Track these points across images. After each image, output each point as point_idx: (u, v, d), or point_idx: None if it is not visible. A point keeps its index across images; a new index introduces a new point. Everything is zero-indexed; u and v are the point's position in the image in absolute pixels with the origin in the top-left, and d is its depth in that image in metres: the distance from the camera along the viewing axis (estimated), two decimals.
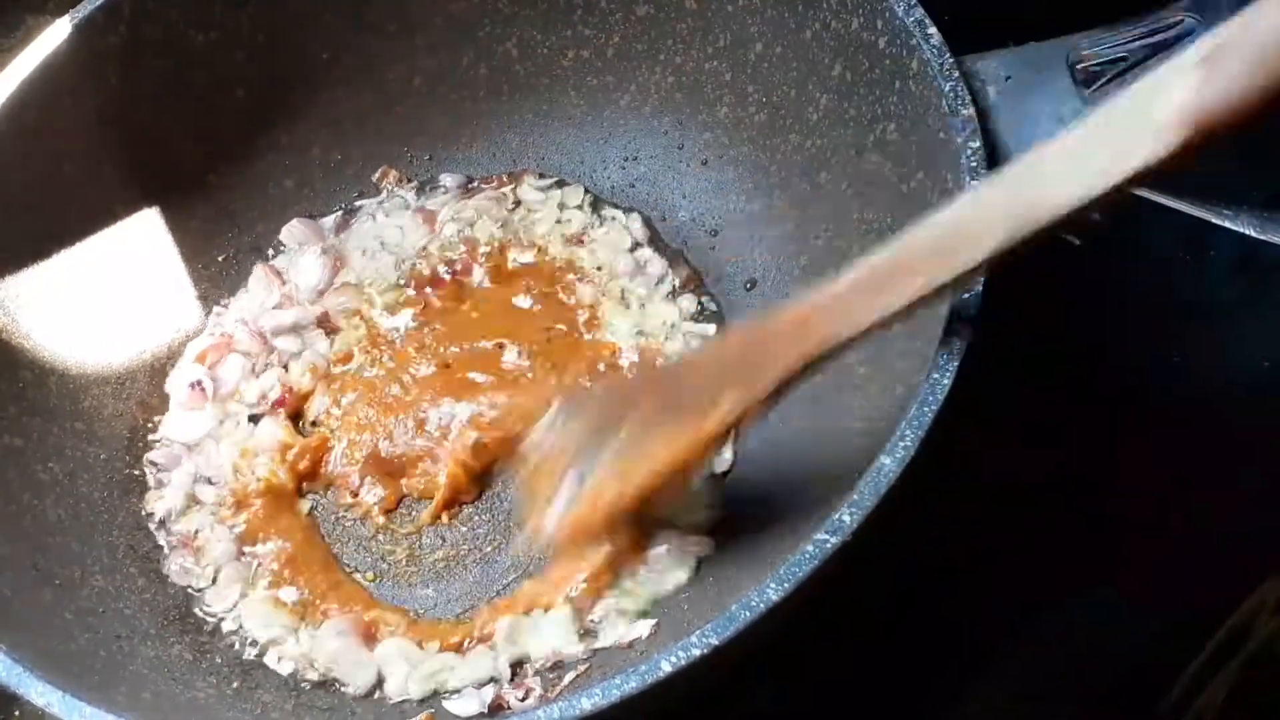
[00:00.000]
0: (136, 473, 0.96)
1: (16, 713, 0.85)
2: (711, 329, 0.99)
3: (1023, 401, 0.91)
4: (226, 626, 0.89)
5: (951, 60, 0.79)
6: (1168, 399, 0.92)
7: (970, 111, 0.77)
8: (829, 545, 0.64)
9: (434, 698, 0.84)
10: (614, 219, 1.05)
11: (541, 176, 1.09)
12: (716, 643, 0.63)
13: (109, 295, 0.98)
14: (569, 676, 0.83)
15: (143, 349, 1.00)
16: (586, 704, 0.63)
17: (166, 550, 0.92)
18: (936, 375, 0.68)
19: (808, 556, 0.64)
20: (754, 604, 0.64)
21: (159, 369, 1.01)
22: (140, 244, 1.01)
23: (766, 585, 0.64)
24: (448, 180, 1.09)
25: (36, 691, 0.69)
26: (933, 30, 0.80)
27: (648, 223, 1.05)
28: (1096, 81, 0.78)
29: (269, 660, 0.87)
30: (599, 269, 1.03)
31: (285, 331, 1.01)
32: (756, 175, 0.99)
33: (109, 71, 0.96)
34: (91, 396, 0.96)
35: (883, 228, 0.87)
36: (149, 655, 0.84)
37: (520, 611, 0.86)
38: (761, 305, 0.99)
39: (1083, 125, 0.62)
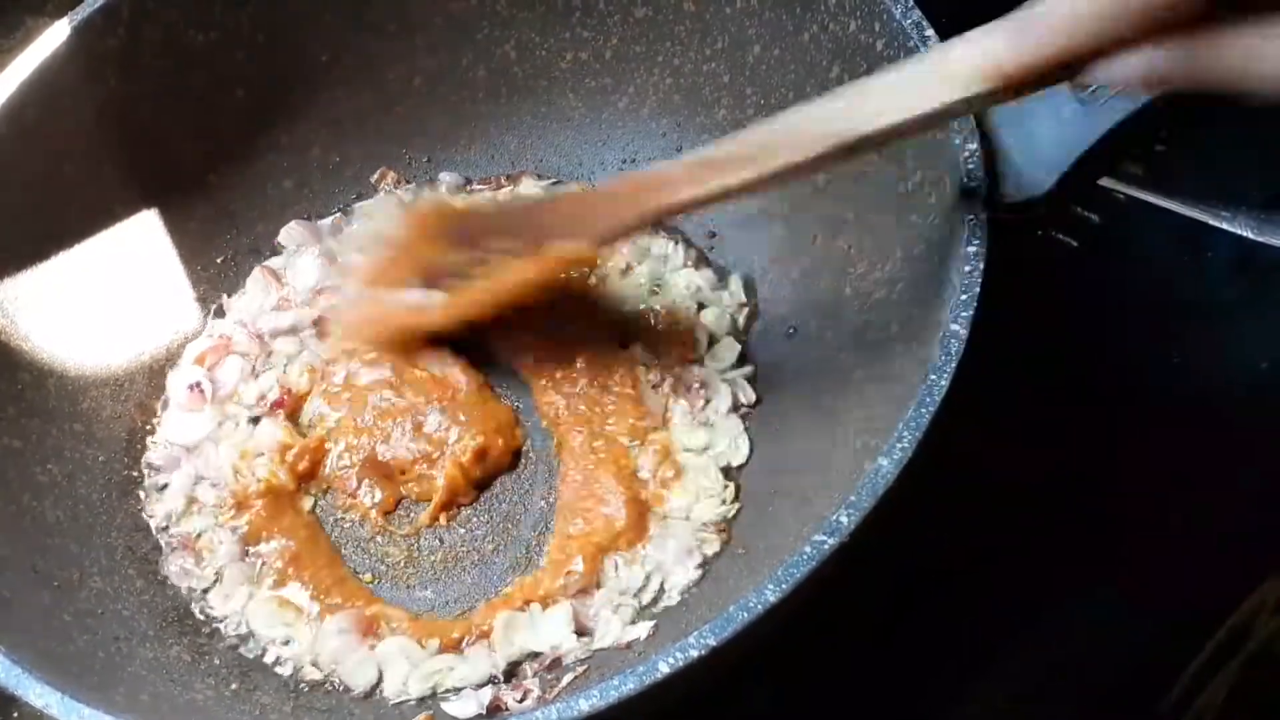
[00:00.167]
0: (135, 474, 0.96)
1: (15, 714, 0.85)
2: (739, 294, 1.00)
3: (1023, 401, 0.91)
4: (228, 627, 0.89)
5: None
6: (1168, 399, 0.92)
7: None
8: (827, 546, 0.64)
9: (432, 698, 0.84)
10: None
11: (540, 178, 1.09)
12: (714, 644, 0.63)
13: (108, 296, 0.98)
14: (567, 678, 0.83)
15: (141, 350, 1.00)
16: (584, 705, 0.63)
17: (166, 552, 0.92)
18: (934, 377, 0.68)
19: (805, 558, 0.64)
20: (752, 605, 0.64)
21: (158, 370, 1.01)
22: (140, 245, 1.01)
23: (764, 586, 0.64)
24: (446, 179, 1.09)
25: (35, 693, 0.69)
26: (930, 32, 0.80)
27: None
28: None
29: (270, 659, 0.87)
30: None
31: (283, 333, 1.01)
32: None
33: (108, 72, 0.96)
34: (90, 398, 0.96)
35: (880, 229, 0.87)
36: (147, 657, 0.84)
37: (517, 606, 0.86)
38: (760, 306, 0.99)
39: (905, 66, 0.72)
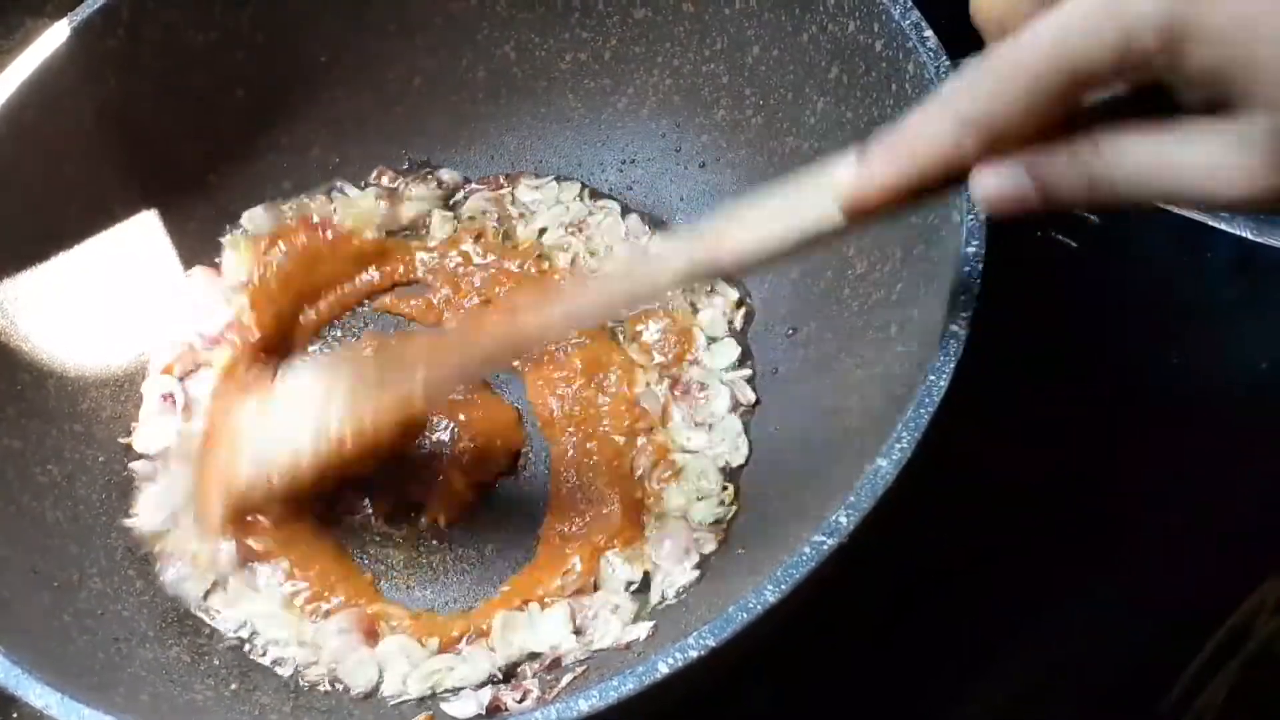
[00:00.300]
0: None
1: (15, 715, 0.85)
2: (734, 294, 1.00)
3: (1023, 401, 0.91)
4: (228, 628, 0.89)
5: (948, 64, 0.79)
6: (1168, 399, 0.92)
7: None
8: (826, 547, 0.64)
9: (432, 699, 0.84)
10: (612, 209, 1.06)
11: (537, 177, 1.09)
12: (714, 644, 0.63)
13: (108, 297, 0.98)
14: (566, 678, 0.82)
15: (142, 351, 1.00)
16: (584, 705, 0.63)
17: (164, 562, 0.91)
18: (933, 377, 0.68)
19: (805, 559, 0.64)
20: (751, 606, 0.64)
21: None
22: (140, 245, 1.01)
23: (764, 587, 0.64)
24: (446, 177, 1.09)
25: (35, 693, 0.69)
26: (929, 34, 0.80)
27: (647, 223, 1.05)
28: None
29: (270, 659, 0.87)
30: (593, 254, 1.03)
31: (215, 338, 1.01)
32: (754, 178, 0.99)
33: (108, 73, 0.96)
34: (90, 399, 0.96)
35: (877, 230, 0.86)
36: (147, 657, 0.84)
37: (515, 606, 0.87)
38: (758, 306, 0.99)
39: (768, 195, 0.68)
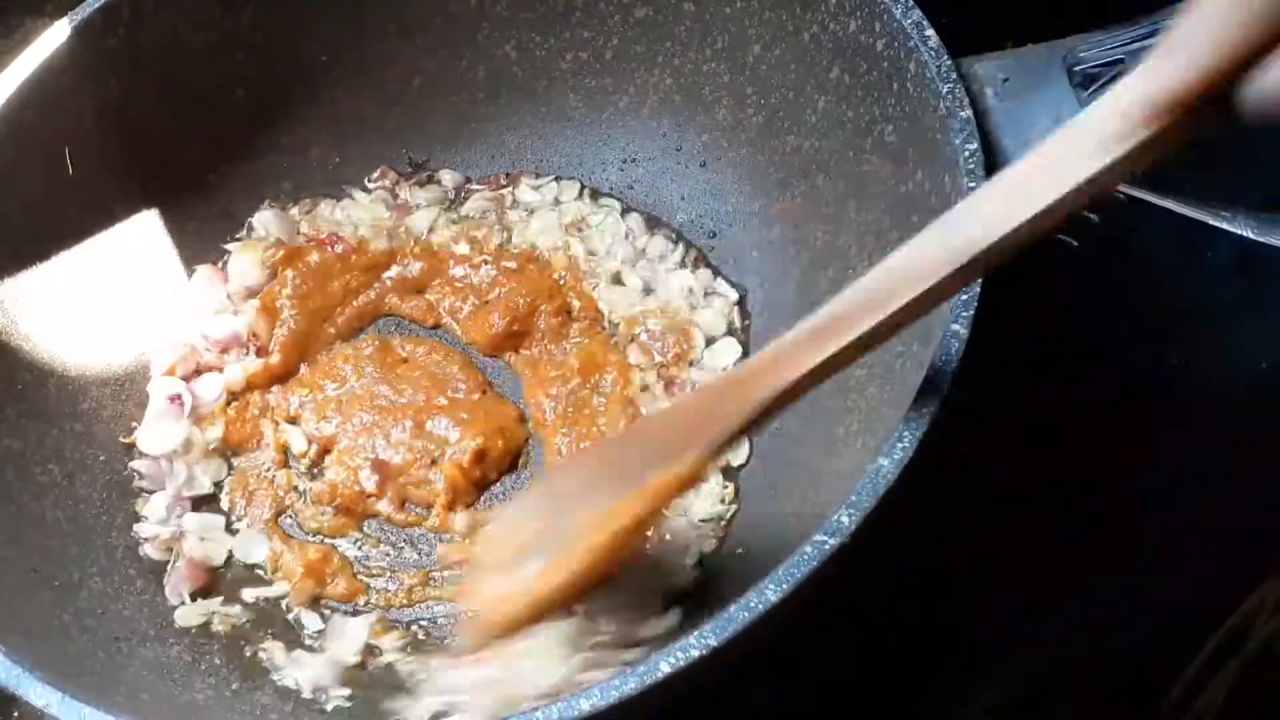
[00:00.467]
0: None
1: (15, 714, 0.85)
2: (734, 294, 1.00)
3: (1023, 401, 0.91)
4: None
5: (949, 63, 0.79)
6: (1168, 399, 0.92)
7: (968, 114, 0.77)
8: (827, 546, 0.64)
9: None
10: (612, 208, 1.06)
11: (537, 176, 1.09)
12: (715, 644, 0.63)
13: (109, 296, 0.98)
14: None
15: (142, 350, 1.00)
16: (585, 705, 0.63)
17: (169, 571, 0.92)
18: (934, 376, 0.68)
19: (806, 558, 0.64)
20: (752, 605, 0.64)
21: None
22: (140, 245, 1.01)
23: (765, 586, 0.64)
24: (446, 178, 1.09)
25: (36, 693, 0.69)
26: (930, 33, 0.80)
27: (647, 222, 1.05)
28: (1094, 84, 0.78)
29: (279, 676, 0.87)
30: (592, 254, 1.03)
31: (227, 342, 1.01)
32: (755, 177, 0.99)
33: (108, 73, 0.96)
34: (91, 398, 0.96)
35: (880, 229, 0.87)
36: (148, 657, 0.84)
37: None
38: (759, 306, 0.99)
39: (1028, 155, 0.61)
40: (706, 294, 1.00)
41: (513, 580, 0.72)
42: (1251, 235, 0.79)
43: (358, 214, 1.07)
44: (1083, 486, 0.89)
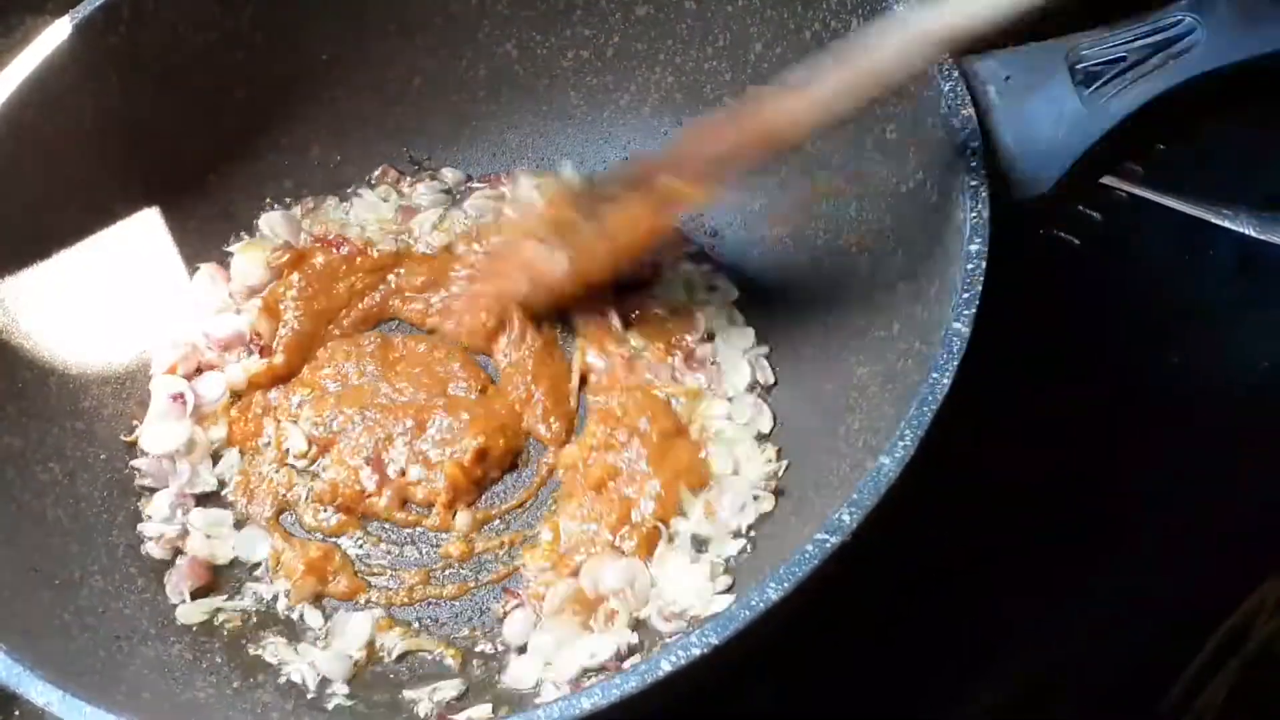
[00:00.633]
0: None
1: (16, 712, 0.85)
2: (734, 291, 1.00)
3: (1023, 401, 0.91)
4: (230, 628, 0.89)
5: (951, 60, 0.79)
6: (1168, 399, 0.93)
7: (970, 111, 0.77)
8: (829, 545, 0.64)
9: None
10: None
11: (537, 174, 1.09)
12: (716, 642, 0.63)
13: (109, 295, 0.98)
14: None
15: (143, 349, 1.00)
16: (586, 704, 0.63)
17: (170, 571, 0.91)
18: (936, 375, 0.68)
19: (808, 556, 0.64)
20: (754, 603, 0.64)
21: None
22: (140, 244, 1.01)
23: (766, 584, 0.64)
24: (448, 175, 1.09)
25: (36, 691, 0.69)
26: None
27: None
28: (1096, 81, 0.78)
29: (271, 658, 0.87)
30: None
31: (229, 342, 1.01)
32: (756, 175, 0.99)
33: (109, 71, 0.96)
34: (91, 397, 0.95)
35: (881, 228, 0.87)
36: (149, 655, 0.84)
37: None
38: (759, 304, 0.99)
39: None
40: (709, 288, 1.00)
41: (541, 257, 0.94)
42: (1253, 233, 0.79)
43: (363, 214, 1.07)
44: (1083, 486, 0.89)
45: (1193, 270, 0.96)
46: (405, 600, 0.90)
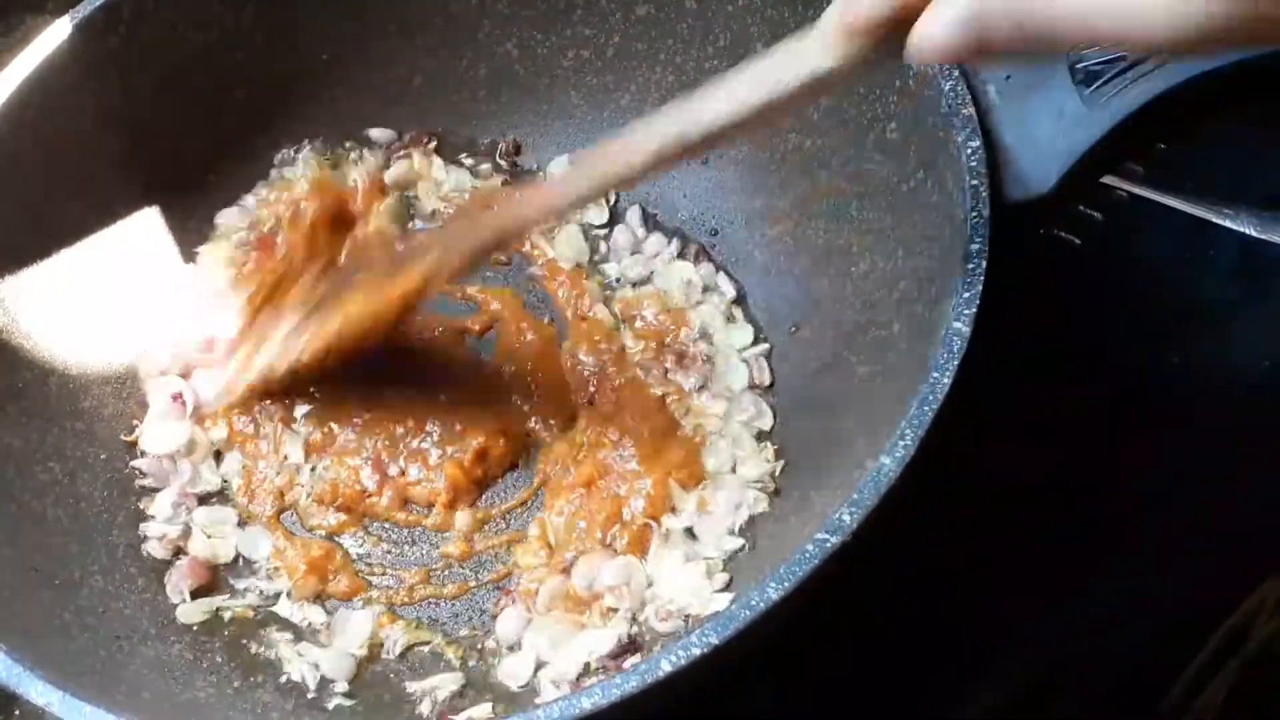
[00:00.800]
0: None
1: (16, 712, 0.85)
2: (732, 291, 1.00)
3: (1023, 401, 0.91)
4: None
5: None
6: (1168, 399, 0.92)
7: (970, 111, 0.77)
8: (829, 545, 0.64)
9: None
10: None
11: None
12: (716, 642, 0.63)
13: (109, 295, 0.98)
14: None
15: (143, 349, 0.99)
16: (586, 704, 0.63)
17: (170, 570, 0.91)
18: (936, 374, 0.68)
19: (808, 556, 0.64)
20: (754, 603, 0.64)
21: None
22: (141, 244, 1.01)
23: (766, 584, 0.64)
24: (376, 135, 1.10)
25: (36, 691, 0.69)
26: None
27: (646, 219, 1.05)
28: (1096, 80, 0.78)
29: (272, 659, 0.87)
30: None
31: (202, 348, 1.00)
32: (756, 174, 0.99)
33: (109, 71, 0.96)
34: (92, 397, 0.95)
35: (881, 227, 0.87)
36: (149, 655, 0.84)
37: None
38: (759, 304, 0.99)
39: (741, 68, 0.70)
40: (705, 289, 1.00)
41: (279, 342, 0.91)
42: (1253, 233, 0.79)
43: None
44: (1083, 486, 0.89)
45: (1193, 270, 0.95)
46: (405, 600, 0.90)
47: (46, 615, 0.81)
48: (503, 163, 1.09)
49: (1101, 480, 0.89)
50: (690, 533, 0.89)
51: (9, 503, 0.85)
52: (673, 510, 0.89)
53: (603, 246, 1.05)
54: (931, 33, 0.57)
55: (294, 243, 0.99)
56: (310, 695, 0.85)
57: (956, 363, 0.68)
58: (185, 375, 0.99)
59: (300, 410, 0.97)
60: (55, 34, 0.92)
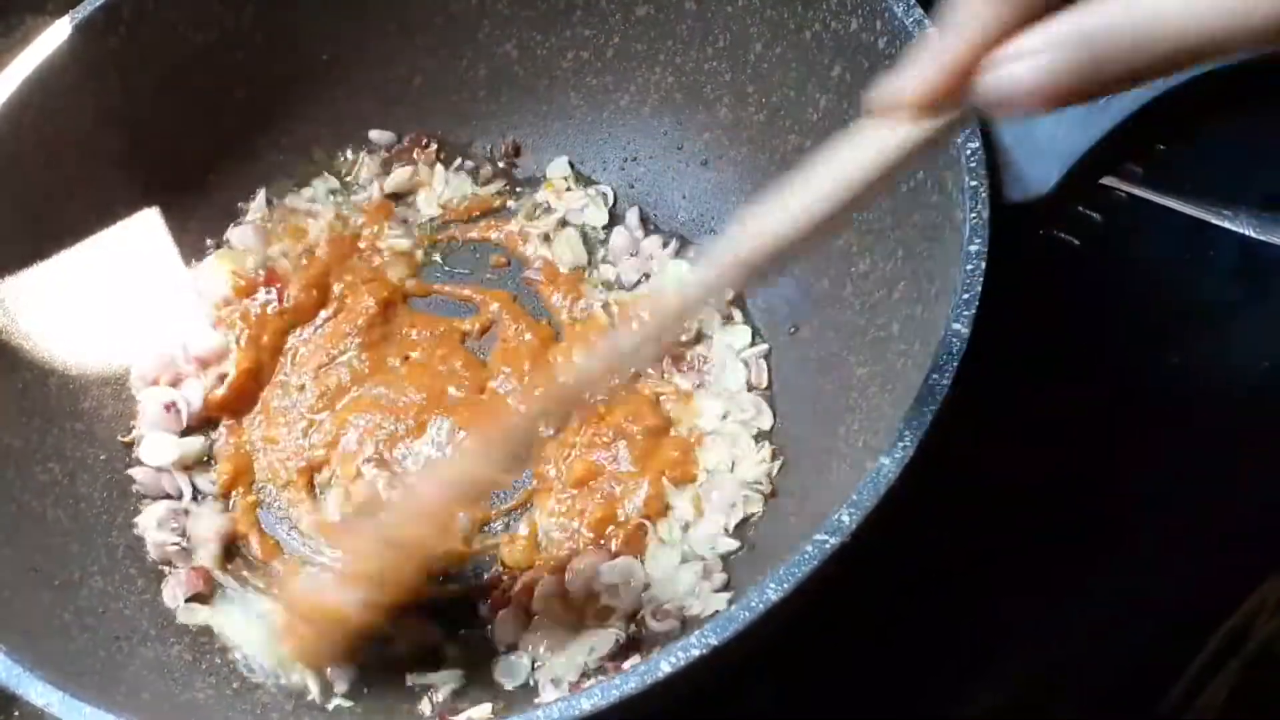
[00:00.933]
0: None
1: (16, 713, 0.85)
2: (731, 290, 0.98)
3: (1022, 402, 0.91)
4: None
5: None
6: (1168, 399, 0.92)
7: None
8: (828, 546, 0.64)
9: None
10: (603, 194, 1.07)
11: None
12: (715, 643, 0.63)
13: (109, 295, 0.98)
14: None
15: (143, 350, 1.00)
16: (586, 704, 0.63)
17: (167, 575, 0.91)
18: (935, 375, 0.68)
19: (807, 557, 0.64)
20: (753, 604, 0.63)
21: None
22: (141, 244, 1.01)
23: (765, 585, 0.64)
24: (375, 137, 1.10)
25: (36, 692, 0.69)
26: (932, 30, 0.80)
27: (645, 219, 1.06)
28: None
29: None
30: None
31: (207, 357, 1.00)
32: (756, 176, 0.99)
33: (109, 72, 0.96)
34: (91, 397, 0.95)
35: (881, 228, 0.87)
36: (148, 656, 0.84)
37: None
38: (758, 304, 0.99)
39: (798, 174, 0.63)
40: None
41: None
42: (1253, 234, 0.79)
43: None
44: (1082, 487, 0.89)
45: (1192, 271, 0.95)
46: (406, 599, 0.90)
47: (46, 615, 0.81)
48: (502, 165, 1.09)
49: (1101, 480, 0.89)
50: (686, 532, 0.89)
51: (9, 503, 0.85)
52: (668, 510, 0.89)
53: (601, 249, 1.05)
54: (1018, 75, 0.51)
55: (306, 287, 1.01)
56: (310, 696, 0.85)
57: (956, 363, 0.68)
58: (175, 384, 0.99)
59: (296, 412, 0.97)
60: (55, 34, 0.92)
